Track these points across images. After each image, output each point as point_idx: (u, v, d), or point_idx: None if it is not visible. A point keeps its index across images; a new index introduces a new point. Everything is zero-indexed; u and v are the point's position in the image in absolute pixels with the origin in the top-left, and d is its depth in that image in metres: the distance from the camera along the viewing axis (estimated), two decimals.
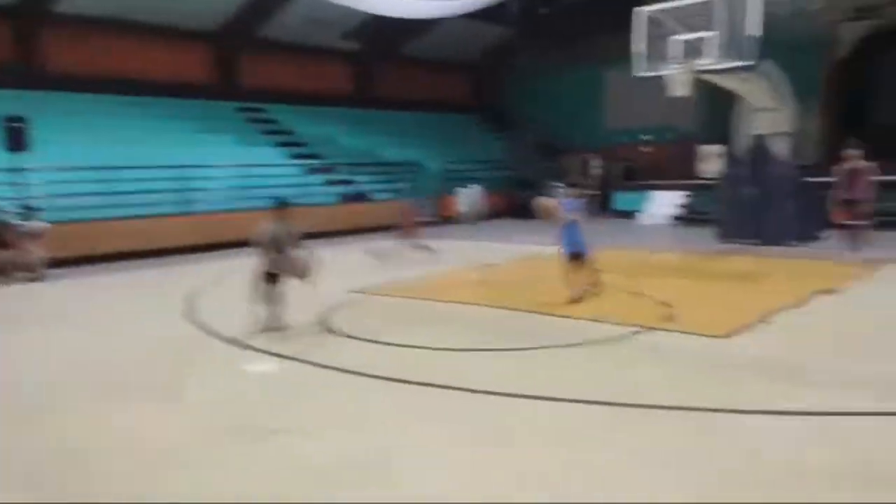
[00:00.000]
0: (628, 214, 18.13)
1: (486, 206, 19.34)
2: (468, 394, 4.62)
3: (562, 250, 7.46)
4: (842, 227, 9.32)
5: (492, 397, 4.57)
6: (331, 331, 6.49)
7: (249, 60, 19.86)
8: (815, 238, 11.58)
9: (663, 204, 17.67)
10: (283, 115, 19.77)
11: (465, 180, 19.78)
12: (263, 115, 19.45)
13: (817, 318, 6.65)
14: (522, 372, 5.20)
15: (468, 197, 19.14)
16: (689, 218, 16.15)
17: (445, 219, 18.15)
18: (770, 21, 15.48)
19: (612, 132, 22.89)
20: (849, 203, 9.18)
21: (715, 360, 5.36)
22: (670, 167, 19.37)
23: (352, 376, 5.09)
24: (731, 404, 4.30)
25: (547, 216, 7.43)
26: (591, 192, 21.10)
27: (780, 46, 16.66)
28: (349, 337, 6.26)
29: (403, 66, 23.33)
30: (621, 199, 19.37)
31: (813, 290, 7.65)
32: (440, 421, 4.19)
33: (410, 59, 23.51)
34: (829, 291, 7.68)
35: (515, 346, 5.86)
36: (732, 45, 10.03)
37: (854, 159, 9.31)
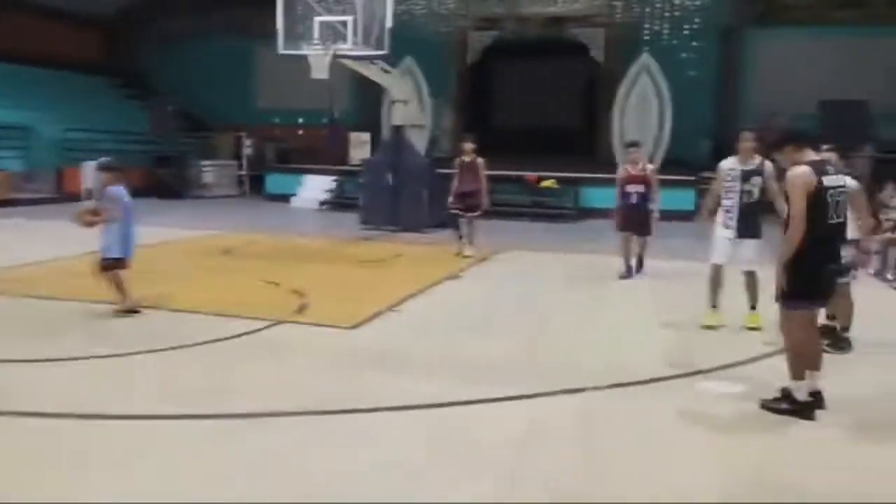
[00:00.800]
0: (281, 198, 17.77)
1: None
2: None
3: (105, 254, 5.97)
4: (456, 215, 9.78)
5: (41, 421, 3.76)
6: None
7: None
8: (447, 225, 12.52)
9: (315, 188, 17.66)
10: None
11: (94, 152, 17.31)
12: None
13: (444, 303, 6.99)
14: (102, 383, 4.43)
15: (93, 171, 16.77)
16: (338, 203, 16.38)
17: (69, 196, 15.63)
18: (410, 19, 16.49)
19: (266, 111, 22.26)
20: (463, 195, 9.54)
21: (340, 354, 5.18)
22: (324, 151, 19.50)
23: None
24: (347, 402, 4.13)
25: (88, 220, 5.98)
26: (243, 172, 20.43)
27: (419, 45, 17.90)
28: None
29: (13, 12, 19.52)
30: (274, 182, 18.90)
31: (442, 276, 8.10)
32: None
33: (23, 5, 19.79)
34: (455, 276, 8.21)
35: (115, 350, 4.98)
36: (369, 33, 10.21)
37: (468, 153, 9.59)
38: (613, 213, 8.58)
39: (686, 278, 7.66)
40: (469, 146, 9.73)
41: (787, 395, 4.20)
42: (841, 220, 4.17)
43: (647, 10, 17.97)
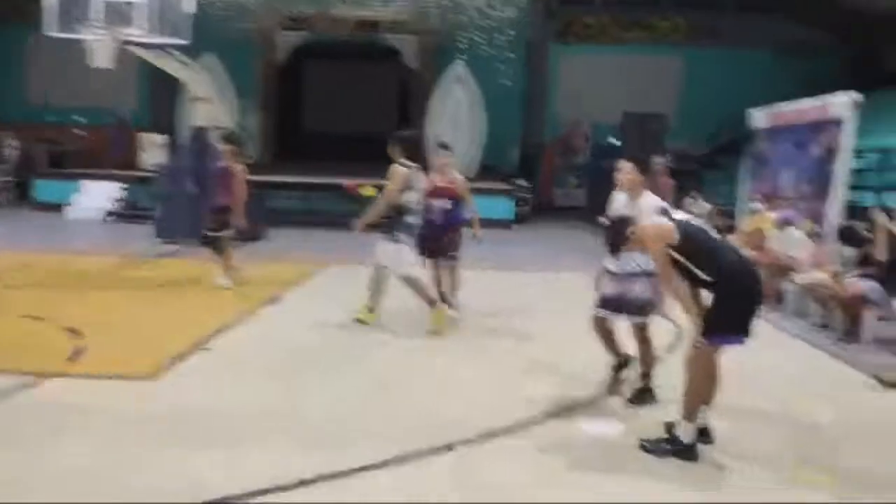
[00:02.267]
0: (54, 207, 15.21)
1: None
2: None
3: None
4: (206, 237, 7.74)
5: None
6: None
7: None
8: (258, 238, 11.29)
9: (97, 197, 15.34)
10: None
11: None
12: None
13: (264, 336, 5.91)
14: None
15: None
16: (127, 214, 14.33)
17: None
18: (212, 13, 14.94)
19: (36, 107, 19.22)
20: (213, 211, 7.69)
21: (128, 423, 3.93)
22: (107, 155, 17.15)
23: None
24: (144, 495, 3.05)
25: None
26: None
27: (223, 41, 16.38)
28: None
29: None
30: (45, 189, 16.18)
31: (260, 299, 7.00)
32: None
33: None
34: (275, 299, 7.13)
35: None
36: (165, 18, 8.77)
37: (229, 158, 7.64)
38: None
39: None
40: (225, 147, 7.79)
41: (671, 434, 3.79)
42: None
43: (460, 19, 17.91)
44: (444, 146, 6.98)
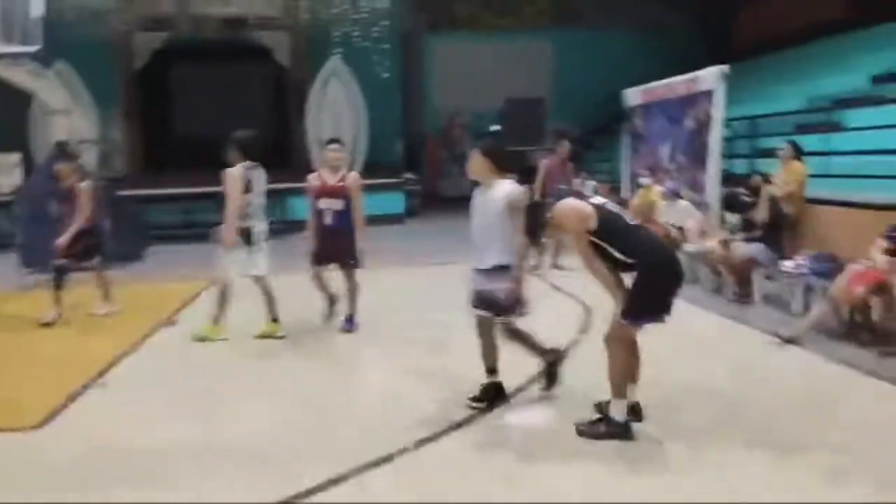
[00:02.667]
0: None
1: None
2: None
3: None
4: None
5: None
6: None
7: None
8: (139, 258, 10.55)
9: None
10: None
11: None
12: None
13: (164, 364, 5.47)
14: None
15: None
16: None
17: None
18: (63, 17, 13.77)
19: None
20: (78, 235, 6.84)
21: (13, 478, 3.50)
22: None
23: None
24: None
25: None
26: None
27: (74, 47, 15.13)
28: None
29: None
30: None
31: (152, 324, 6.50)
32: None
33: None
34: (170, 322, 6.65)
35: None
36: (10, 23, 7.94)
37: (68, 176, 6.88)
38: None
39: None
40: (64, 168, 6.96)
41: (604, 414, 3.82)
42: None
43: (331, 13, 17.52)
44: (335, 140, 6.40)
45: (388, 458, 3.54)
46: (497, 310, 4.13)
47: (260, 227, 5.83)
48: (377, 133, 18.08)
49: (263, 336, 5.92)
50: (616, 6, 20.75)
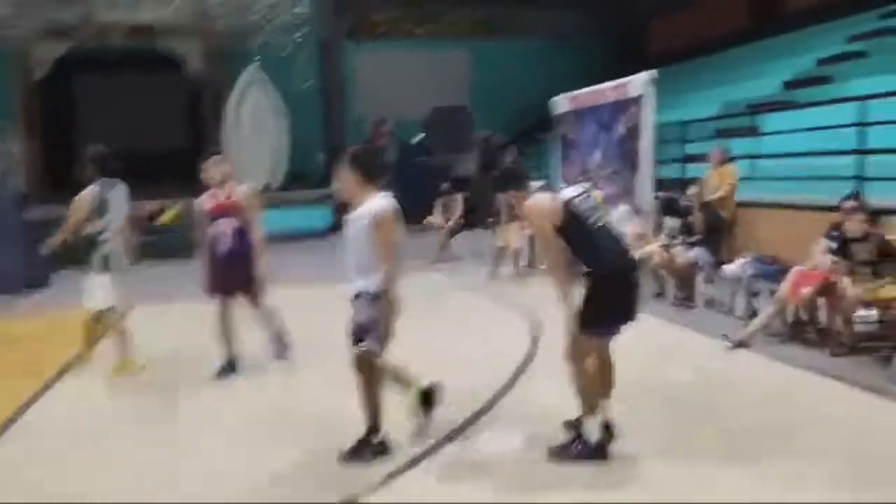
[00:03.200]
0: None
1: None
2: None
3: None
4: None
5: None
6: None
7: None
8: (46, 283, 9.76)
9: None
10: None
11: None
12: None
13: (76, 415, 4.77)
14: None
15: None
16: None
17: None
18: None
19: None
20: None
21: None
22: None
23: None
24: None
25: None
26: None
27: None
28: None
29: None
30: None
31: (61, 363, 5.72)
32: None
33: None
34: (83, 361, 5.83)
35: None
36: None
37: None
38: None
39: None
40: None
41: (577, 433, 3.65)
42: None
43: (249, 20, 16.89)
44: (215, 152, 5.66)
45: (354, 499, 3.24)
46: (356, 339, 3.67)
47: (118, 250, 5.32)
48: (298, 144, 17.58)
49: (122, 372, 5.40)
50: (531, 17, 21.04)
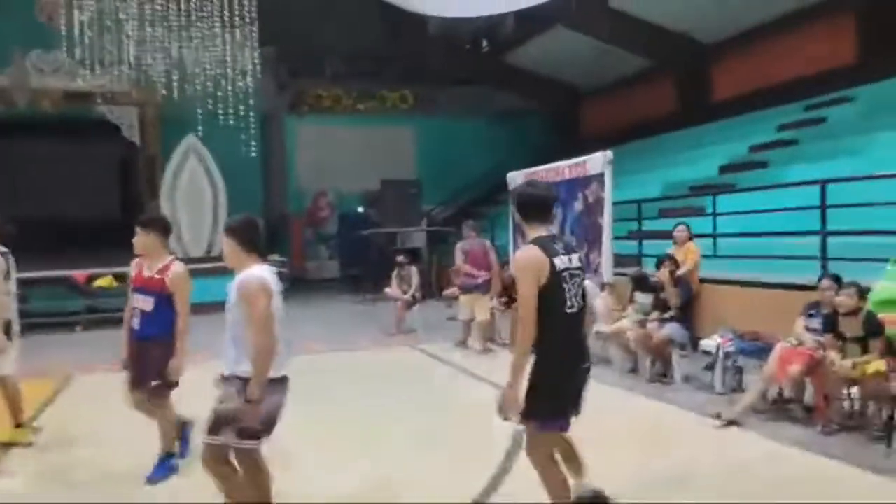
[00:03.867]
0: None
1: None
2: None
3: None
4: None
5: None
6: None
7: None
8: None
9: None
10: None
11: None
12: None
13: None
14: None
15: None
16: None
17: None
18: None
19: None
20: None
21: None
22: None
23: None
24: None
25: None
26: None
27: None
28: None
29: None
30: None
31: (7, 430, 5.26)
32: None
33: None
34: (12, 442, 5.20)
35: None
36: None
37: None
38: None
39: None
40: None
41: None
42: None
43: (190, 91, 16.63)
44: (140, 223, 4.63)
45: None
46: (211, 428, 3.36)
47: (13, 319, 5.25)
48: (236, 213, 17.16)
49: (8, 444, 5.14)
50: (470, 96, 21.72)
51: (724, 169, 12.95)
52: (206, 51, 14.72)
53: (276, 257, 16.34)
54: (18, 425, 5.27)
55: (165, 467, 4.52)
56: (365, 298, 15.00)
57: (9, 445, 5.11)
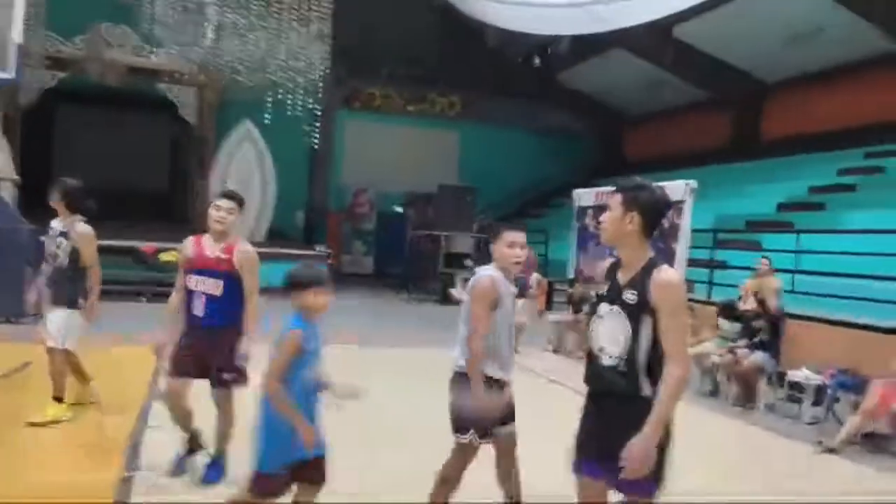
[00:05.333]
0: None
1: None
2: None
3: None
4: None
5: None
6: None
7: None
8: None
9: None
10: None
11: None
12: None
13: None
14: None
15: None
16: None
17: None
18: None
19: None
20: None
21: None
22: None
23: None
24: None
25: None
26: None
27: None
28: None
29: None
30: None
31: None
32: None
33: None
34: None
35: None
36: None
37: None
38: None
39: None
40: None
41: None
42: None
43: (252, 77, 16.88)
44: (228, 195, 4.08)
45: None
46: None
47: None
48: (281, 202, 17.43)
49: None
50: (517, 109, 21.98)
51: (781, 206, 13.18)
52: (279, 41, 14.98)
53: (321, 248, 16.66)
54: (58, 399, 4.91)
55: (219, 468, 4.01)
56: (410, 297, 15.22)
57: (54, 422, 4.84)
